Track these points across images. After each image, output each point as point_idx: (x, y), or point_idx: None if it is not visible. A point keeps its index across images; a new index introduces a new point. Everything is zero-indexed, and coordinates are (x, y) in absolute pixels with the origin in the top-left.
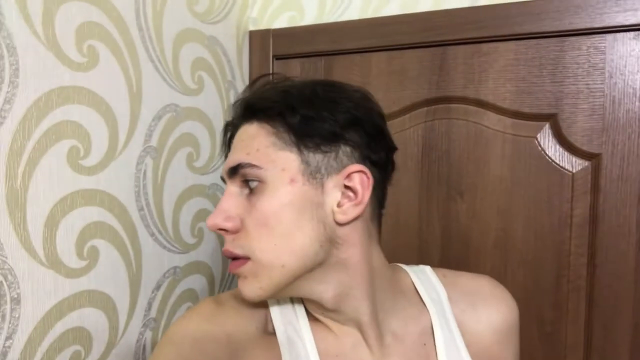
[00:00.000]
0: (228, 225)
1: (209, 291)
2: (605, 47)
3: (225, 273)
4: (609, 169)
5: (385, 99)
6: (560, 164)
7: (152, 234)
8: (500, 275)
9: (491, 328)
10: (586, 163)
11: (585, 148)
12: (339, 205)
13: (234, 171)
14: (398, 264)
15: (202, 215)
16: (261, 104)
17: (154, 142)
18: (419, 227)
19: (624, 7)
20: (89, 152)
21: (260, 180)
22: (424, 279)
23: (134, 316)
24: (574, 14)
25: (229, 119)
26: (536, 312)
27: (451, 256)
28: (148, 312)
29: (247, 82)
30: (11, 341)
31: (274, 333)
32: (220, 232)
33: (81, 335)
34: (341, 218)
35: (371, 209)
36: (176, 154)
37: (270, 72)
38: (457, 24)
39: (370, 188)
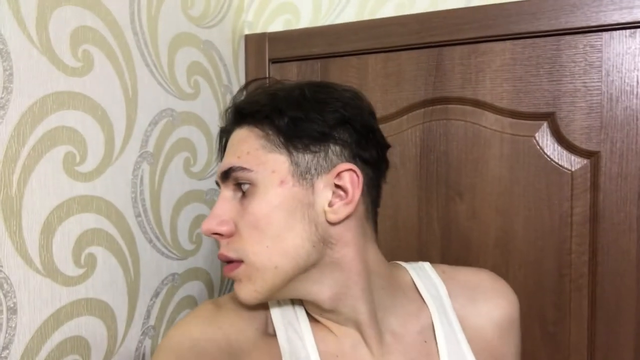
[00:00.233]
0: (222, 229)
1: (207, 298)
2: (601, 45)
3: (223, 279)
4: (608, 167)
5: (383, 101)
6: (559, 163)
7: (150, 241)
8: (502, 276)
9: (492, 322)
10: (585, 161)
11: (583, 146)
12: (330, 204)
13: (226, 175)
14: (397, 262)
15: (200, 221)
16: (250, 108)
17: (150, 147)
18: (419, 229)
19: (619, 5)
20: (85, 158)
21: (252, 183)
22: (423, 275)
23: (133, 324)
24: (569, 13)
25: (222, 125)
26: (538, 312)
27: (451, 257)
28: (147, 320)
29: None
30: (8, 351)
31: (273, 335)
32: (215, 237)
33: (79, 345)
34: (333, 217)
35: (365, 207)
36: (173, 159)
37: (267, 75)
38: (452, 24)
39: (361, 186)
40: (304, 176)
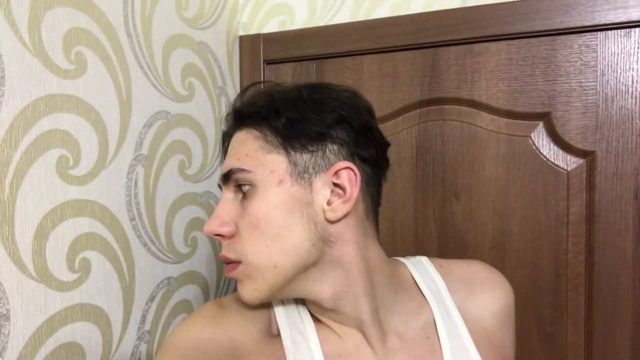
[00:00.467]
0: (223, 230)
1: (204, 301)
2: (596, 45)
3: (220, 283)
4: (603, 166)
5: (378, 102)
6: (555, 163)
7: (145, 244)
8: None
9: (491, 313)
10: (581, 161)
11: (579, 146)
12: (328, 203)
13: (227, 177)
14: (396, 258)
15: (195, 224)
16: (248, 110)
17: (144, 150)
18: (415, 230)
19: (614, 4)
20: (79, 162)
21: (251, 184)
22: (422, 270)
23: (128, 329)
24: (564, 13)
25: (224, 128)
26: (535, 312)
27: (448, 257)
28: (142, 325)
29: (238, 87)
30: (1, 359)
31: (277, 335)
32: (217, 238)
33: (74, 351)
34: (331, 216)
35: (365, 205)
36: (168, 161)
37: (262, 77)
38: (448, 24)
39: (359, 184)
40: (302, 175)
